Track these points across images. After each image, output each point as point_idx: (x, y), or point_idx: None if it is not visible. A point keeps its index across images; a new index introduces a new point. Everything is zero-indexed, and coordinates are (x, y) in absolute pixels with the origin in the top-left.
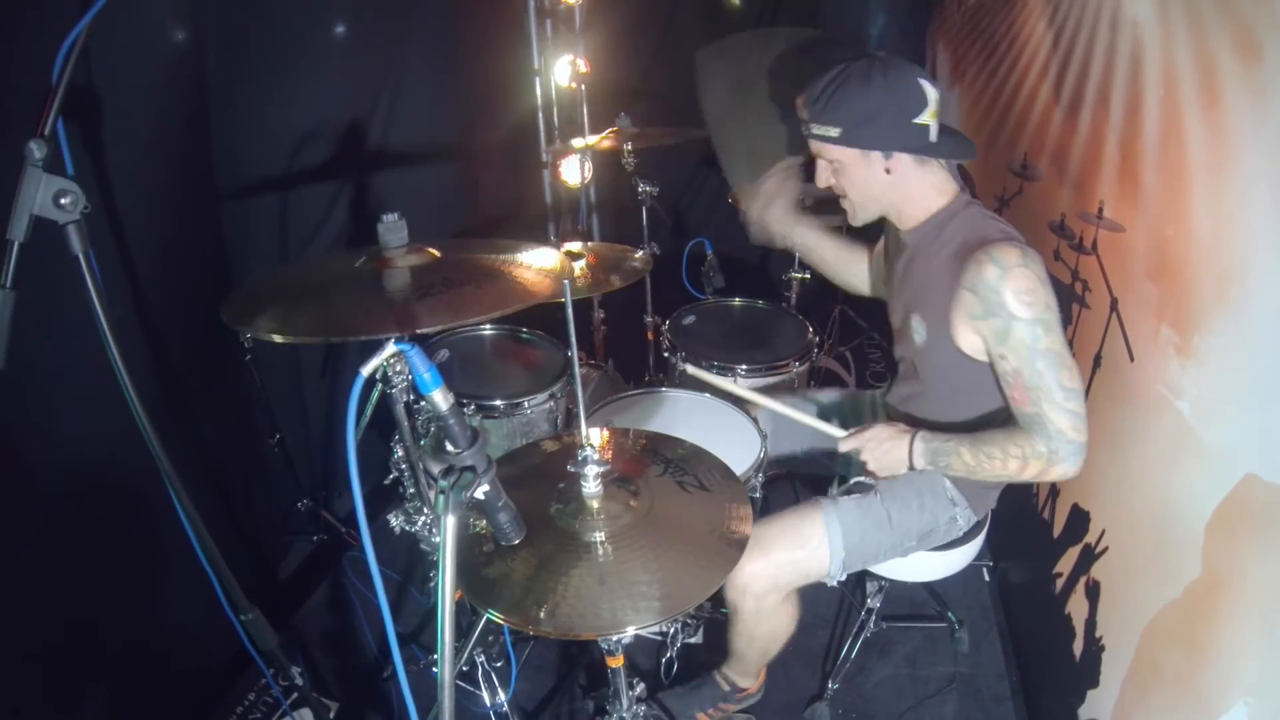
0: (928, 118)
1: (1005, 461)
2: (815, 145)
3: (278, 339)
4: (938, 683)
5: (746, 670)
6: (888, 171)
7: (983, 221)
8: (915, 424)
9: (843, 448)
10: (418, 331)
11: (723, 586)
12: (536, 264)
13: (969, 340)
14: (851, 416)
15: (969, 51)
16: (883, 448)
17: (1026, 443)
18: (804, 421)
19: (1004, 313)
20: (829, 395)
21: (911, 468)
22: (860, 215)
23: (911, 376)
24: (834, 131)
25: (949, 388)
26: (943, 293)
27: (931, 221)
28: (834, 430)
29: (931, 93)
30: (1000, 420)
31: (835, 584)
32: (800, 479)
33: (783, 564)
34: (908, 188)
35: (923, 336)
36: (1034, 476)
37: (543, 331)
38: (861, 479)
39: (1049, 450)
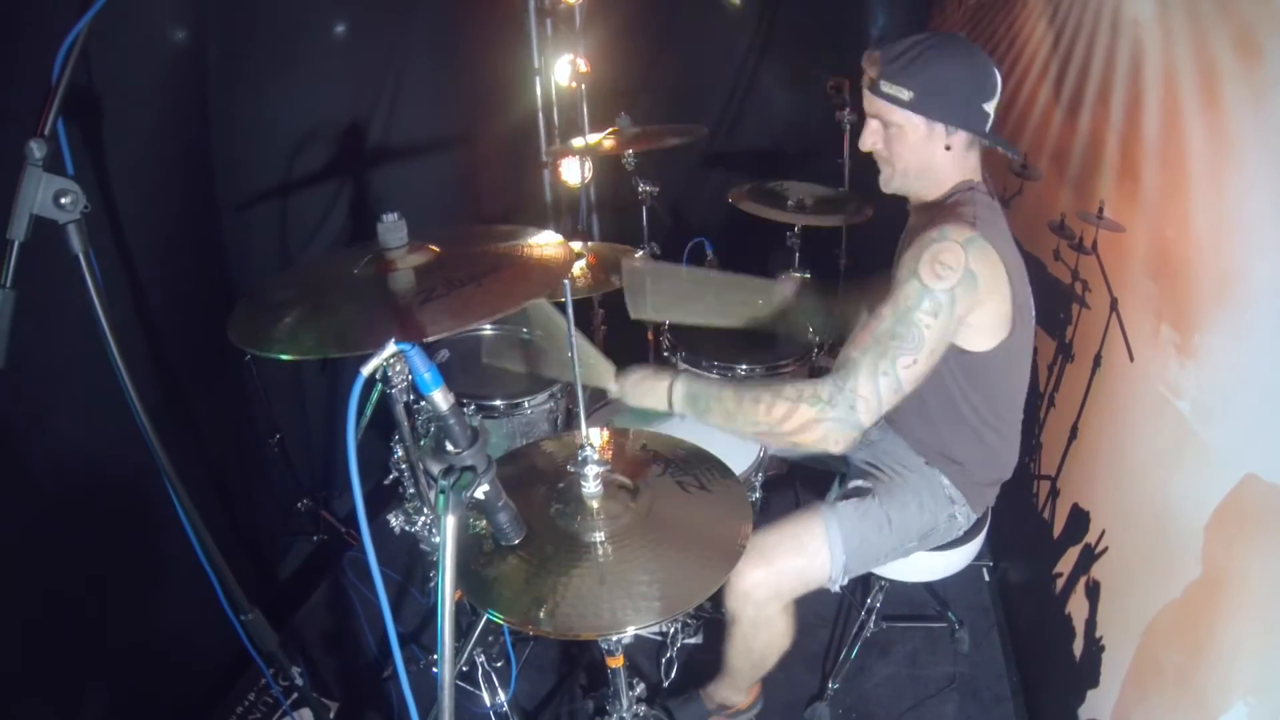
0: (992, 107)
1: (773, 405)
2: (878, 105)
3: (285, 358)
4: (938, 683)
5: (738, 685)
6: (948, 148)
7: (970, 202)
8: (898, 420)
9: (611, 389)
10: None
11: (724, 595)
12: (537, 252)
13: None
14: None
15: None
16: (641, 387)
17: (810, 388)
18: (582, 347)
19: (912, 266)
20: None
21: (671, 409)
22: (896, 183)
23: None
24: (905, 94)
25: (938, 380)
26: None
27: (940, 200)
28: (608, 374)
29: (999, 85)
30: (970, 412)
31: (838, 590)
32: (800, 478)
33: (784, 571)
34: (950, 167)
35: None
36: (795, 429)
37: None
38: (859, 482)
39: (829, 401)
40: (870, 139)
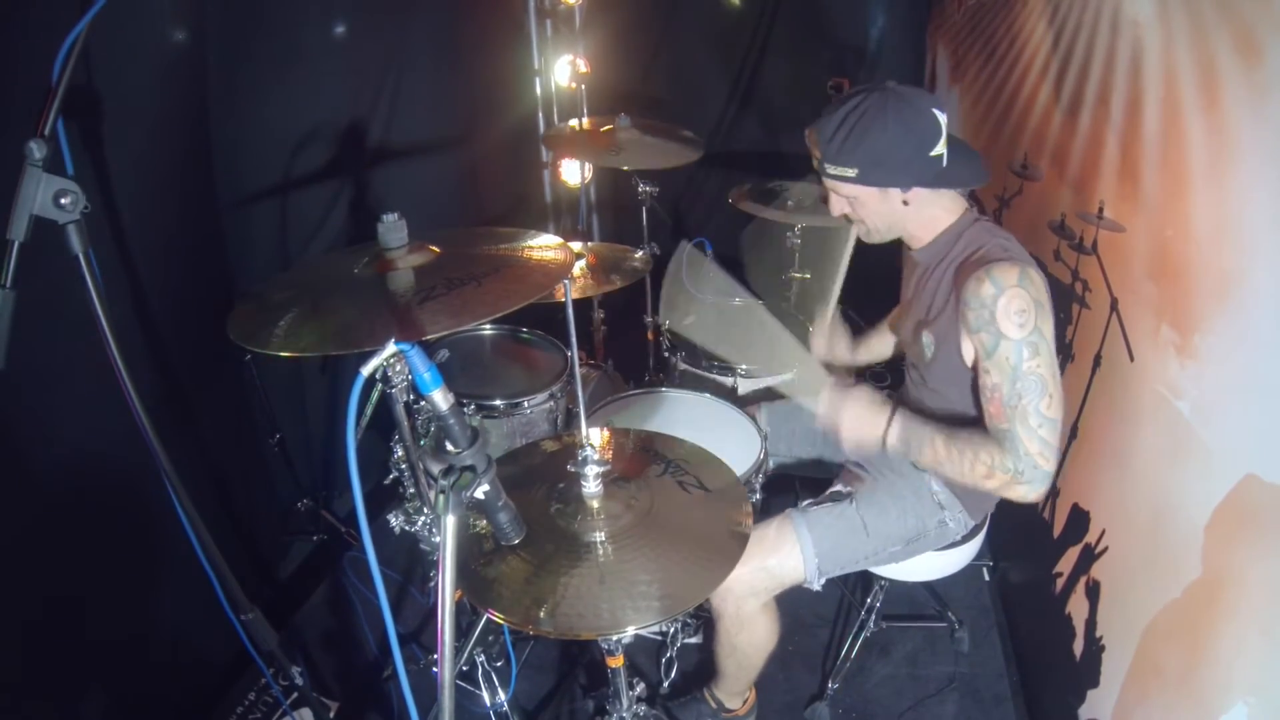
0: (941, 147)
1: (974, 465)
2: (830, 183)
3: (285, 355)
4: (938, 683)
5: (732, 689)
6: (905, 204)
7: (987, 238)
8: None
9: (823, 403)
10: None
11: None
12: (537, 253)
13: (970, 352)
14: None
15: (969, 51)
16: (861, 410)
17: (999, 454)
18: (779, 386)
19: (993, 329)
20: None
21: (883, 446)
22: (874, 238)
23: (921, 385)
24: (851, 172)
25: (959, 395)
26: (948, 308)
27: (940, 239)
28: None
29: (943, 120)
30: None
31: (818, 588)
32: (800, 478)
33: (756, 569)
34: (922, 214)
35: (931, 350)
36: (995, 489)
37: (543, 331)
38: (839, 487)
39: (1015, 470)
40: (838, 207)
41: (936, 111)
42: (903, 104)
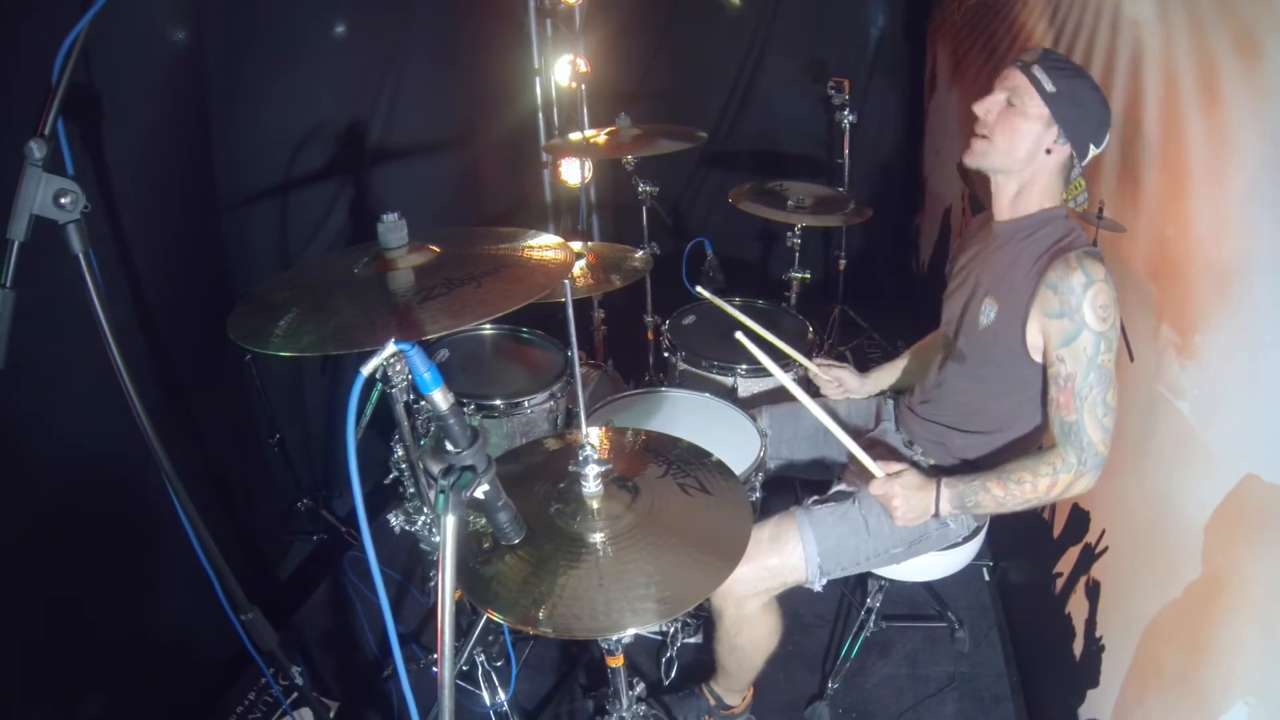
0: (1093, 152)
1: (1035, 482)
2: (1018, 81)
3: (285, 355)
4: (938, 683)
5: (731, 685)
6: (1048, 152)
7: (1078, 232)
8: (944, 402)
9: (874, 490)
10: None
11: None
12: (537, 253)
13: (1035, 336)
14: (855, 416)
15: (969, 51)
16: (911, 494)
17: (1056, 458)
18: (846, 445)
19: (1077, 318)
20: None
21: (937, 514)
22: (986, 158)
23: (956, 369)
24: (1050, 87)
25: (997, 373)
26: (1026, 283)
27: (1032, 218)
28: (873, 467)
29: (1106, 139)
30: (1020, 416)
31: (819, 589)
32: (801, 481)
33: (760, 569)
34: (1041, 177)
35: (990, 319)
36: (1061, 493)
37: (543, 331)
38: (841, 487)
39: (1079, 461)
40: (987, 106)
41: (1109, 133)
42: (1108, 104)
